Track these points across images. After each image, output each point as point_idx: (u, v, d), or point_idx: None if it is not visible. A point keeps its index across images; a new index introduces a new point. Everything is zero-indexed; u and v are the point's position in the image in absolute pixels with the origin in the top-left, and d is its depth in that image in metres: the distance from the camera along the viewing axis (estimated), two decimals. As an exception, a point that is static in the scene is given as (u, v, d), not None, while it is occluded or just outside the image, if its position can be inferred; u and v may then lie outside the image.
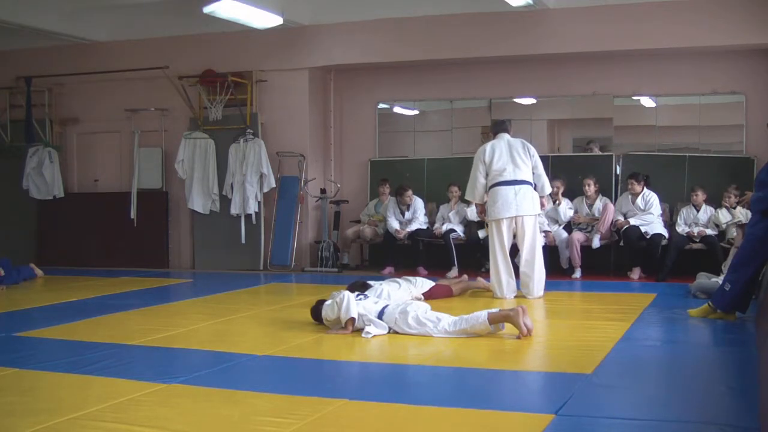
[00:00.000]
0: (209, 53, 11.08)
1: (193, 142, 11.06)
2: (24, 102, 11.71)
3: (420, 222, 10.25)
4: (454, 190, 10.12)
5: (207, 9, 9.32)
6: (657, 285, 8.68)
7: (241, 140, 10.86)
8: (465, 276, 8.44)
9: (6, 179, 11.88)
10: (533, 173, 7.85)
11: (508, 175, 7.75)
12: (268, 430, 3.71)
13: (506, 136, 7.96)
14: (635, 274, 9.22)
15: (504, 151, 7.81)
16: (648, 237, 9.17)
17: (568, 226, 9.67)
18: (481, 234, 9.51)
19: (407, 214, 10.33)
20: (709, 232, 9.09)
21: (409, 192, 10.31)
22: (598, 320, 6.55)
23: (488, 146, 7.91)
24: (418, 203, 10.36)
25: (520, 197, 7.73)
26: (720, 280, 6.95)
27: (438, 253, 10.07)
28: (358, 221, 10.86)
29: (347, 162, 11.49)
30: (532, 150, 7.90)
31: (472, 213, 9.55)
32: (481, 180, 7.90)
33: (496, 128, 8.16)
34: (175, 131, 11.34)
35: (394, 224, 10.23)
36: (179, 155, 11.05)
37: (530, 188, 7.81)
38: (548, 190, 8.09)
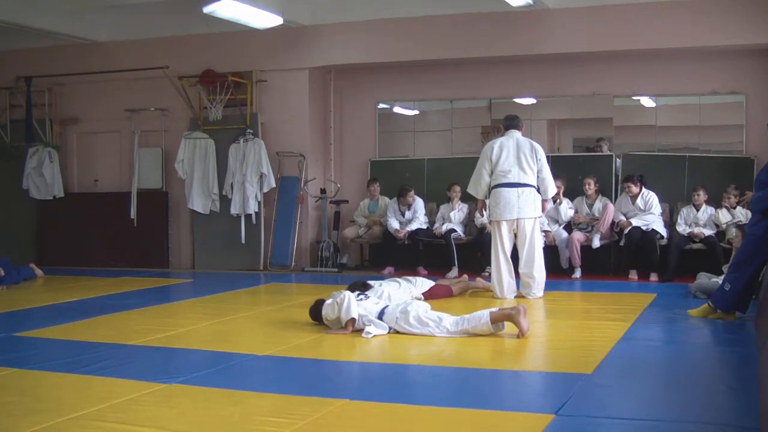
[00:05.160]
0: (209, 53, 11.08)
1: (193, 142, 11.06)
2: (24, 102, 11.72)
3: (420, 222, 10.25)
4: (457, 190, 10.10)
5: (207, 9, 9.32)
6: (657, 285, 8.70)
7: (241, 140, 10.86)
8: (465, 276, 8.44)
9: (6, 179, 11.88)
10: (537, 176, 7.83)
11: (513, 178, 7.75)
12: (268, 430, 3.72)
13: (516, 134, 7.92)
14: (635, 274, 9.22)
15: (512, 151, 7.79)
16: (647, 234, 9.17)
17: (568, 226, 9.67)
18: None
19: (408, 214, 10.32)
20: (707, 232, 9.08)
21: (411, 192, 10.30)
22: (598, 320, 6.56)
23: (497, 144, 7.87)
24: (419, 203, 10.35)
25: (522, 200, 7.73)
26: (720, 280, 6.95)
27: (438, 253, 10.07)
28: (353, 221, 10.87)
29: (347, 162, 11.49)
30: (540, 153, 7.85)
31: (479, 219, 9.54)
32: (486, 178, 7.89)
33: (508, 123, 8.08)
34: (175, 131, 11.34)
35: (394, 224, 10.23)
36: (179, 155, 11.05)
37: (533, 191, 7.81)
38: (551, 193, 8.03)
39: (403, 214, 10.35)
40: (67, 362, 5.19)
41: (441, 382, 4.79)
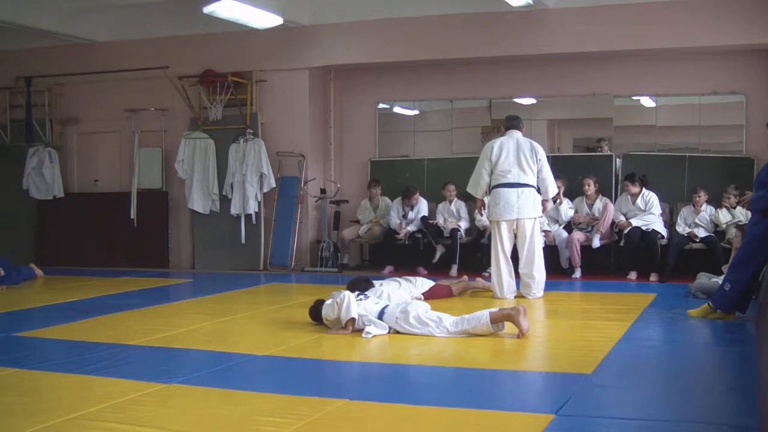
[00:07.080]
0: (209, 53, 11.08)
1: (193, 142, 11.06)
2: (24, 102, 11.72)
3: (420, 222, 10.24)
4: (451, 189, 10.12)
5: (207, 9, 9.32)
6: (657, 285, 8.69)
7: (241, 140, 10.86)
8: (465, 276, 8.44)
9: (6, 179, 11.88)
10: (538, 177, 7.83)
11: (512, 178, 7.75)
12: (268, 430, 3.72)
13: (517, 134, 7.91)
14: (635, 275, 9.21)
15: (511, 151, 7.79)
16: (647, 234, 9.16)
17: (568, 226, 9.67)
18: None
19: (411, 214, 10.32)
20: (702, 233, 9.08)
21: (417, 195, 10.31)
22: (598, 320, 6.56)
23: (497, 144, 7.87)
24: (423, 204, 10.35)
25: (522, 200, 7.73)
26: (720, 280, 6.95)
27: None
28: (357, 221, 10.86)
29: (347, 162, 11.49)
30: (540, 153, 7.83)
31: (480, 221, 9.55)
32: (486, 177, 7.90)
33: (509, 123, 8.06)
34: (175, 131, 11.34)
35: (395, 224, 10.23)
36: (179, 155, 11.05)
37: (533, 191, 7.80)
38: (552, 193, 8.03)
39: (405, 215, 10.35)
40: (67, 362, 5.19)
41: (441, 382, 4.79)
